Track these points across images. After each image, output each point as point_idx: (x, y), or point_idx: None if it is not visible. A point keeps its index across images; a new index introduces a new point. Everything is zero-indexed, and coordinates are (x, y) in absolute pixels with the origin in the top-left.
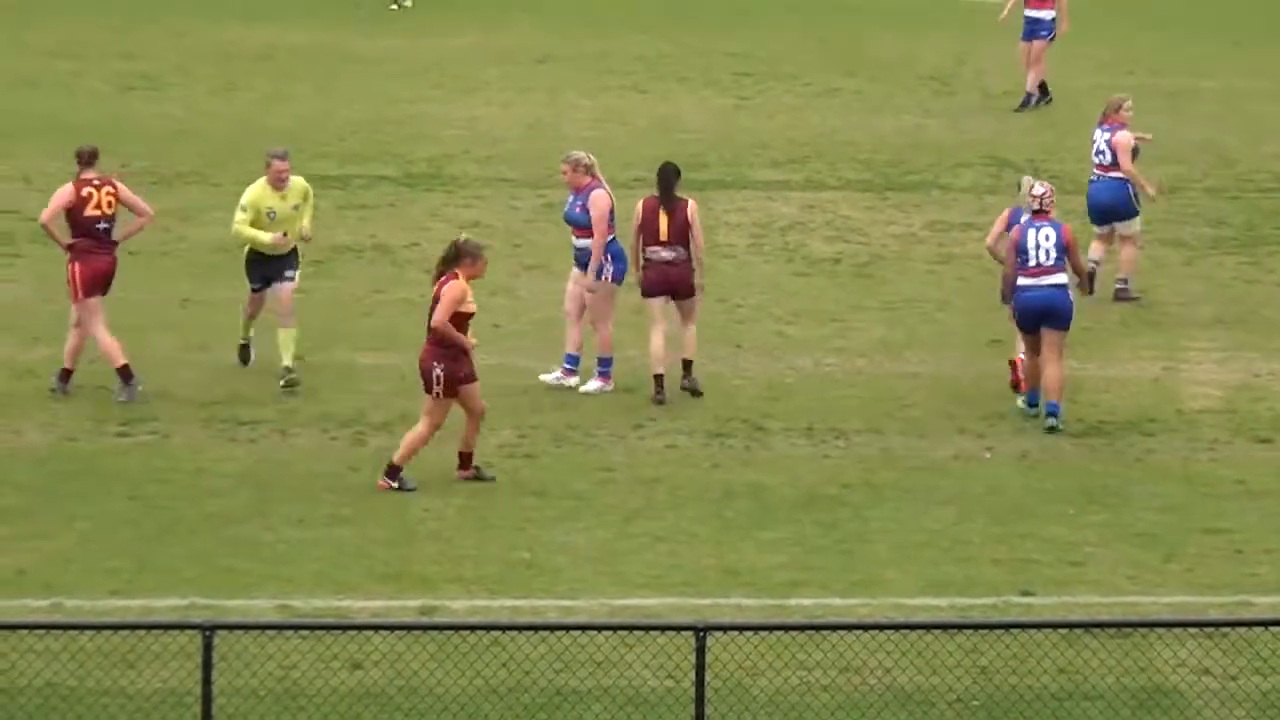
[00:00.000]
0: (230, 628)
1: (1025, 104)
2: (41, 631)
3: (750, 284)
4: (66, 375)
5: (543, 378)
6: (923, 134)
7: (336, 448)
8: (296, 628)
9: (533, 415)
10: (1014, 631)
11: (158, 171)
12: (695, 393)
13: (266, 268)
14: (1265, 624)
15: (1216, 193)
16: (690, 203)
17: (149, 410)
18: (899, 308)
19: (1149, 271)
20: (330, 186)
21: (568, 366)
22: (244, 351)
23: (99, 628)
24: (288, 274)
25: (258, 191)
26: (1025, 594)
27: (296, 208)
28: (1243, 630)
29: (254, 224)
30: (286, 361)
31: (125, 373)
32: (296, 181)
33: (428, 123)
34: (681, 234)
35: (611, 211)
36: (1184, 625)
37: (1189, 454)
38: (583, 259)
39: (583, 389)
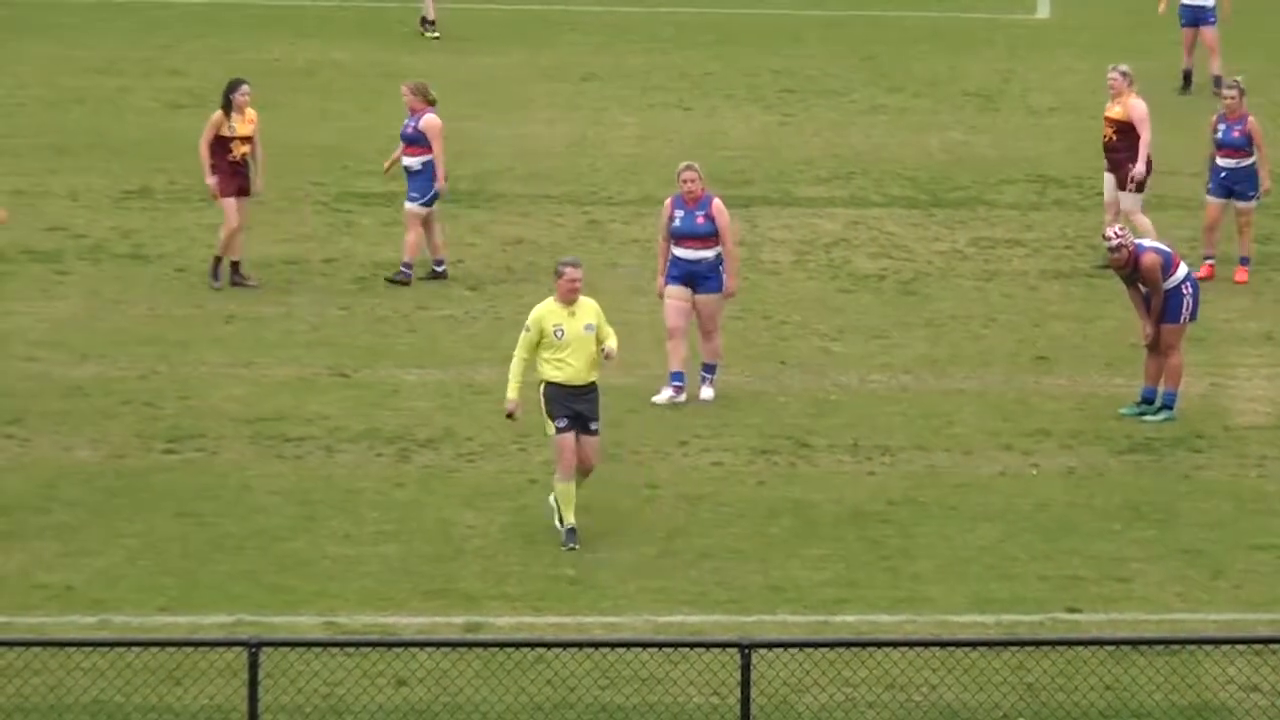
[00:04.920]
0: (276, 644)
1: (1233, 79)
2: (89, 648)
3: (795, 301)
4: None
5: (654, 400)
6: (967, 151)
7: (381, 464)
8: (342, 644)
9: None
10: (1060, 648)
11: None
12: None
13: (573, 404)
14: None
15: (1265, 209)
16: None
17: (196, 427)
18: (943, 324)
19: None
20: (374, 204)
21: (676, 384)
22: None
23: (146, 644)
24: (593, 425)
25: (544, 308)
26: (1072, 611)
27: (589, 328)
28: None
29: (539, 346)
30: (570, 520)
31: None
32: (587, 302)
33: (472, 140)
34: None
35: None
36: (1232, 642)
37: (1237, 470)
38: (700, 271)
39: (701, 397)
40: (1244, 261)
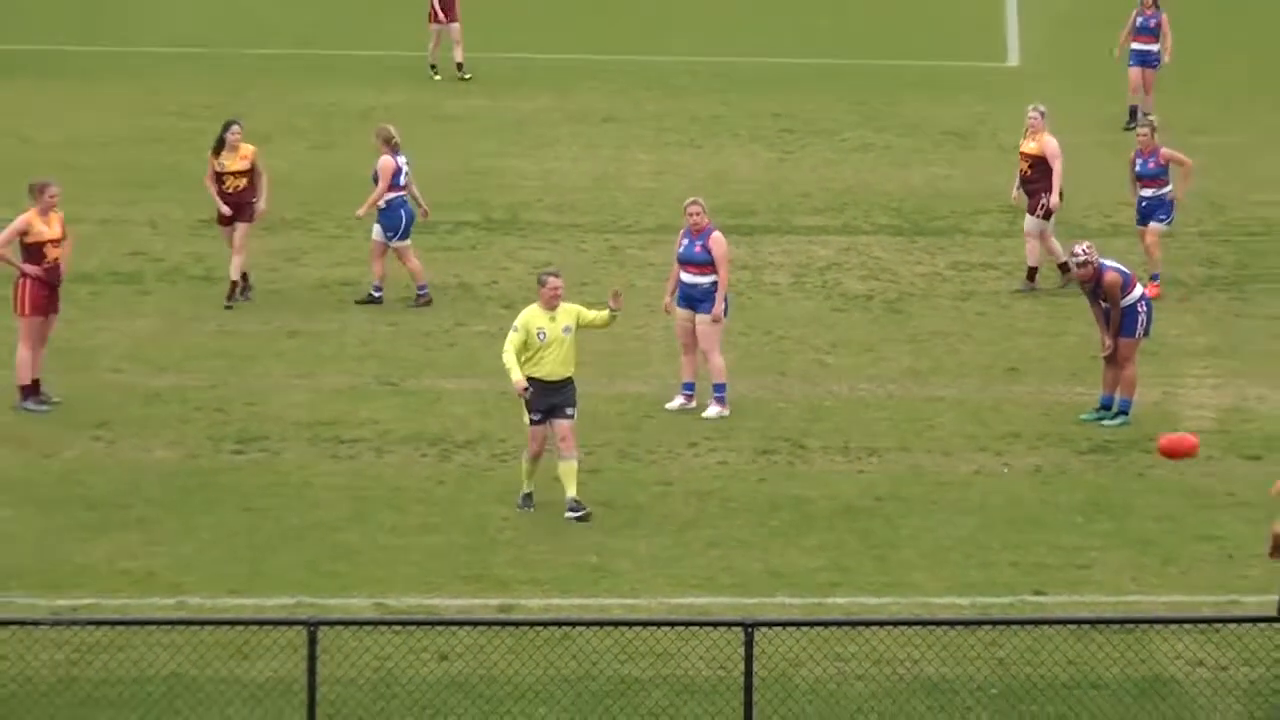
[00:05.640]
0: (332, 624)
1: (1147, 118)
2: (168, 627)
3: (793, 318)
4: None
5: (667, 406)
6: (946, 184)
7: (425, 463)
8: (391, 623)
9: (599, 434)
10: (1029, 627)
11: (266, 218)
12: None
13: (548, 398)
14: (1253, 620)
15: (1210, 236)
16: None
17: (261, 430)
18: (925, 339)
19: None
20: (419, 231)
21: (687, 393)
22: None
23: (217, 623)
24: (569, 410)
25: (530, 313)
26: (1039, 593)
27: (568, 330)
28: (1233, 626)
29: (525, 344)
30: (571, 493)
31: None
32: (565, 306)
33: (506, 174)
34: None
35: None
36: (1180, 622)
37: (1185, 469)
38: (696, 295)
39: (704, 414)
40: (1154, 278)
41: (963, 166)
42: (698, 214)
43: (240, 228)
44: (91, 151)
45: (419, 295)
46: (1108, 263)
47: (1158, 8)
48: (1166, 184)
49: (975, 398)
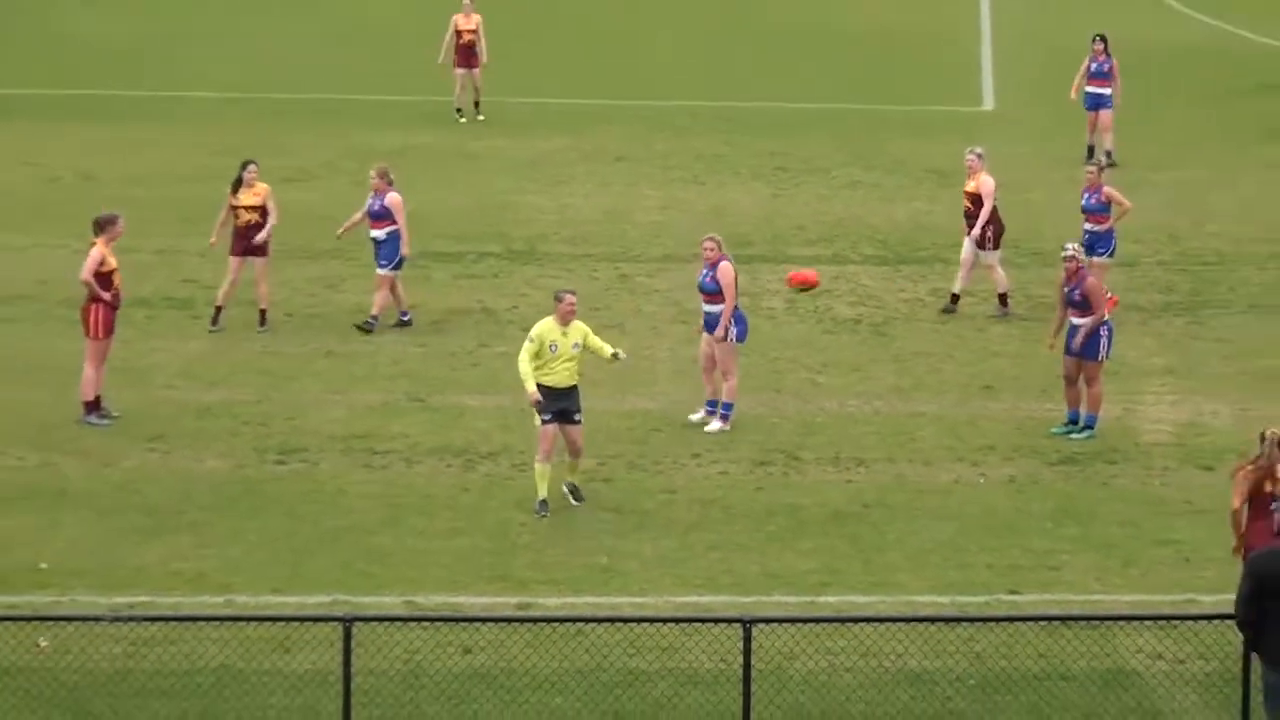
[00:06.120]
0: (366, 620)
1: (1099, 159)
2: (216, 623)
3: (787, 340)
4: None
5: (690, 418)
6: (928, 218)
7: (451, 473)
8: (420, 620)
9: (610, 447)
10: (1003, 624)
11: (308, 249)
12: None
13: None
14: (1208, 618)
15: (1167, 265)
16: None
17: (301, 443)
18: (908, 359)
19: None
20: (446, 260)
21: (709, 409)
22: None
23: (261, 619)
24: (577, 416)
25: (545, 326)
26: (1012, 592)
27: (577, 346)
28: (1189, 623)
29: (537, 354)
30: (572, 478)
31: None
32: (577, 323)
33: (525, 209)
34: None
35: (735, 281)
36: (1141, 619)
37: (1145, 479)
38: (711, 321)
39: (706, 429)
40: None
41: (943, 202)
42: (709, 249)
43: (258, 263)
44: (149, 187)
45: (369, 321)
46: (1092, 271)
47: (1109, 54)
48: (1108, 219)
49: (954, 413)
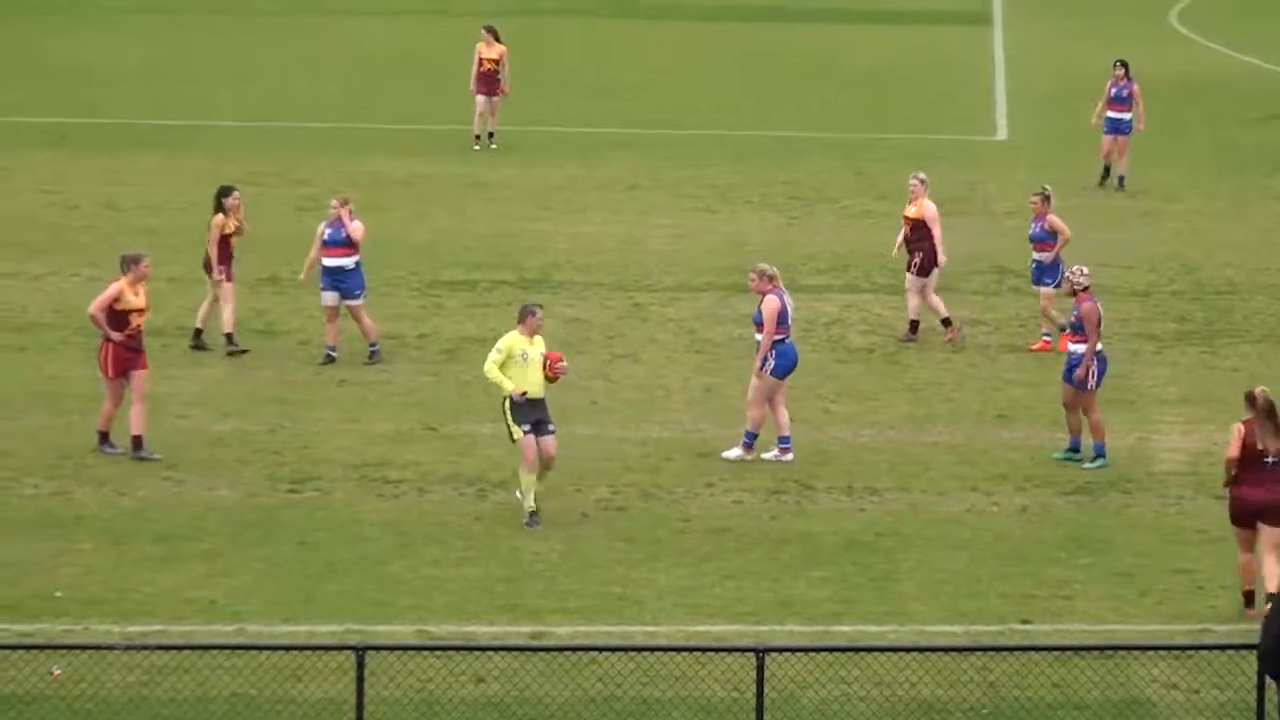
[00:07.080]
0: (378, 648)
1: (1113, 181)
2: (229, 651)
3: (800, 369)
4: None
5: (763, 455)
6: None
7: (463, 502)
8: (432, 649)
9: (624, 475)
10: (1017, 653)
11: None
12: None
13: (533, 412)
14: (1222, 647)
15: (1181, 294)
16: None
17: (313, 471)
18: (921, 388)
19: (1126, 359)
20: (460, 289)
21: (782, 445)
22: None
23: (274, 648)
24: (551, 427)
25: (512, 338)
26: (1026, 622)
27: (543, 355)
28: (1204, 652)
29: (504, 365)
30: (530, 507)
31: None
32: (538, 337)
33: (539, 237)
34: None
35: (783, 314)
36: (1156, 648)
37: (1159, 508)
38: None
39: (724, 454)
40: (1045, 336)
41: (956, 231)
42: (753, 281)
43: (230, 287)
44: (167, 216)
45: (328, 354)
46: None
47: (1130, 79)
48: (1051, 247)
49: (967, 442)
